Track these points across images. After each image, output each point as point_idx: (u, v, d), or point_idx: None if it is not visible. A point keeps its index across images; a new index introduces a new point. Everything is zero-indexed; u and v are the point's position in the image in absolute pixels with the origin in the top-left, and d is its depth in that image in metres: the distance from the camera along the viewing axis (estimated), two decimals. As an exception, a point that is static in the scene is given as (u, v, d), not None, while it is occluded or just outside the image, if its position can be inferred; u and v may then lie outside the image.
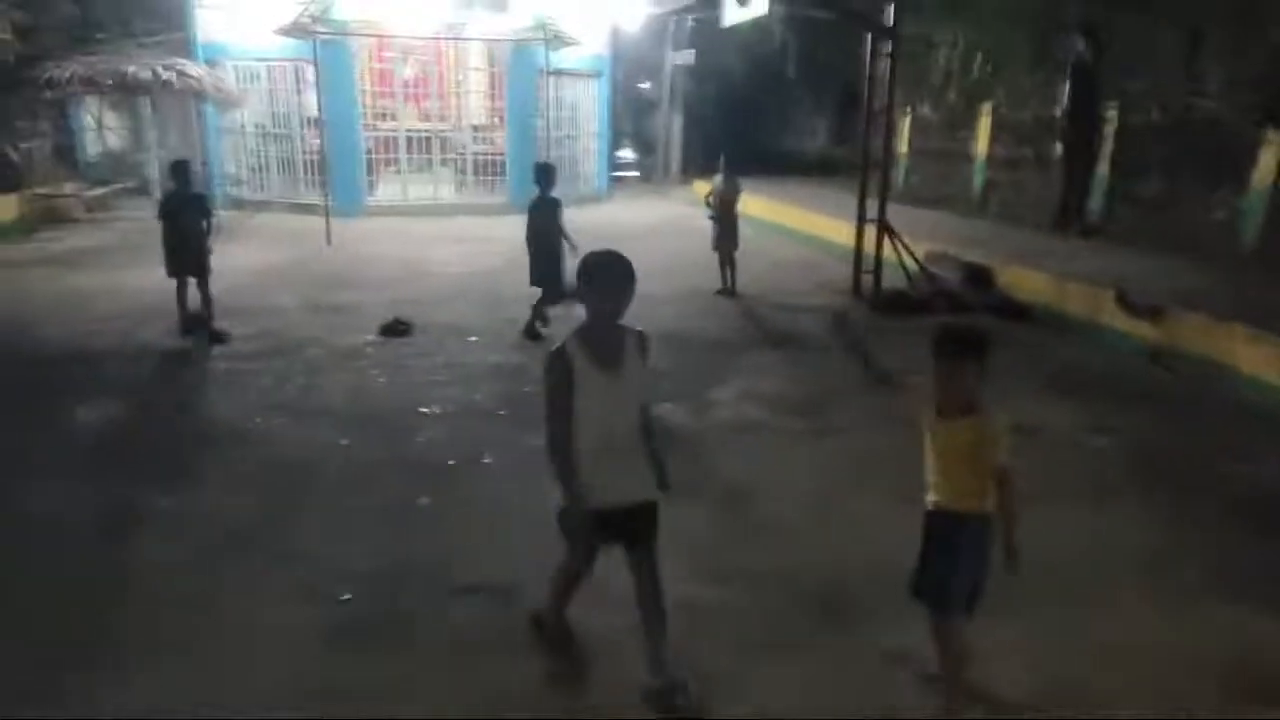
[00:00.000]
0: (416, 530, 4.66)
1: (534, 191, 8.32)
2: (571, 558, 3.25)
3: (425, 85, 17.60)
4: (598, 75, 19.17)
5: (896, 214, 10.28)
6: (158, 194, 11.58)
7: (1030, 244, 11.40)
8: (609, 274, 2.96)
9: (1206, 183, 10.85)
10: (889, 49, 9.59)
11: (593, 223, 12.75)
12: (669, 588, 3.23)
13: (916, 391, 3.09)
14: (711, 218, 10.22)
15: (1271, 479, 5.39)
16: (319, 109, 13.63)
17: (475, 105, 18.26)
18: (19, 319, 8.84)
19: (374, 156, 16.96)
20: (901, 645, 3.46)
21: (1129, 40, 12.06)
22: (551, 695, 3.33)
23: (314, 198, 14.57)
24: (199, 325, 8.08)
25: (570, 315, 7.57)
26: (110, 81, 13.38)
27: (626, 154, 25.60)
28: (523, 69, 16.72)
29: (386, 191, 17.16)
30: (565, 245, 8.04)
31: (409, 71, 17.37)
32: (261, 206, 16.53)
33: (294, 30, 13.35)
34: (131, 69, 13.33)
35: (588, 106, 19.19)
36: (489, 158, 17.74)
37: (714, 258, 10.24)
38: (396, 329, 8.40)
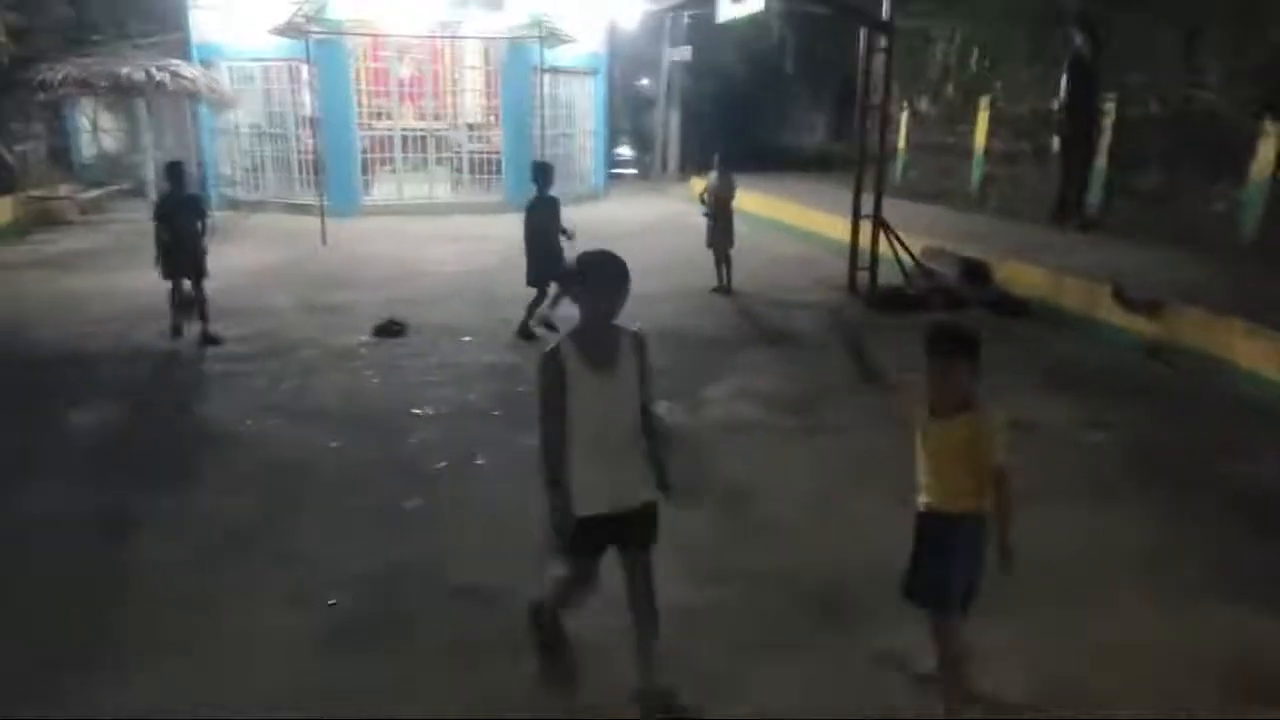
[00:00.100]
0: (409, 532, 4.64)
1: (531, 190, 8.28)
2: (569, 567, 3.17)
3: (421, 84, 17.53)
4: (594, 73, 19.11)
5: (895, 209, 10.25)
6: (153, 196, 11.54)
7: (1029, 238, 11.35)
8: (603, 274, 2.91)
9: (1205, 175, 10.80)
10: (884, 43, 9.53)
11: (589, 220, 12.67)
12: (663, 589, 3.19)
13: (909, 390, 3.05)
14: (706, 215, 10.17)
15: (1271, 475, 5.35)
16: (314, 109, 13.58)
17: (471, 104, 18.19)
18: (13, 321, 8.82)
19: (370, 156, 16.90)
20: (898, 645, 3.43)
21: (1127, 33, 12.00)
22: (545, 697, 3.30)
23: (309, 198, 14.53)
24: (187, 314, 8.02)
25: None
26: (104, 83, 13.34)
27: (624, 151, 25.53)
28: (518, 67, 16.66)
29: (382, 191, 17.11)
30: (564, 243, 7.99)
31: (405, 70, 17.30)
32: (257, 207, 16.50)
33: (288, 30, 13.31)
34: (125, 70, 13.30)
35: (584, 104, 19.13)
36: (485, 156, 17.68)
37: (710, 255, 10.19)
38: (390, 329, 8.36)
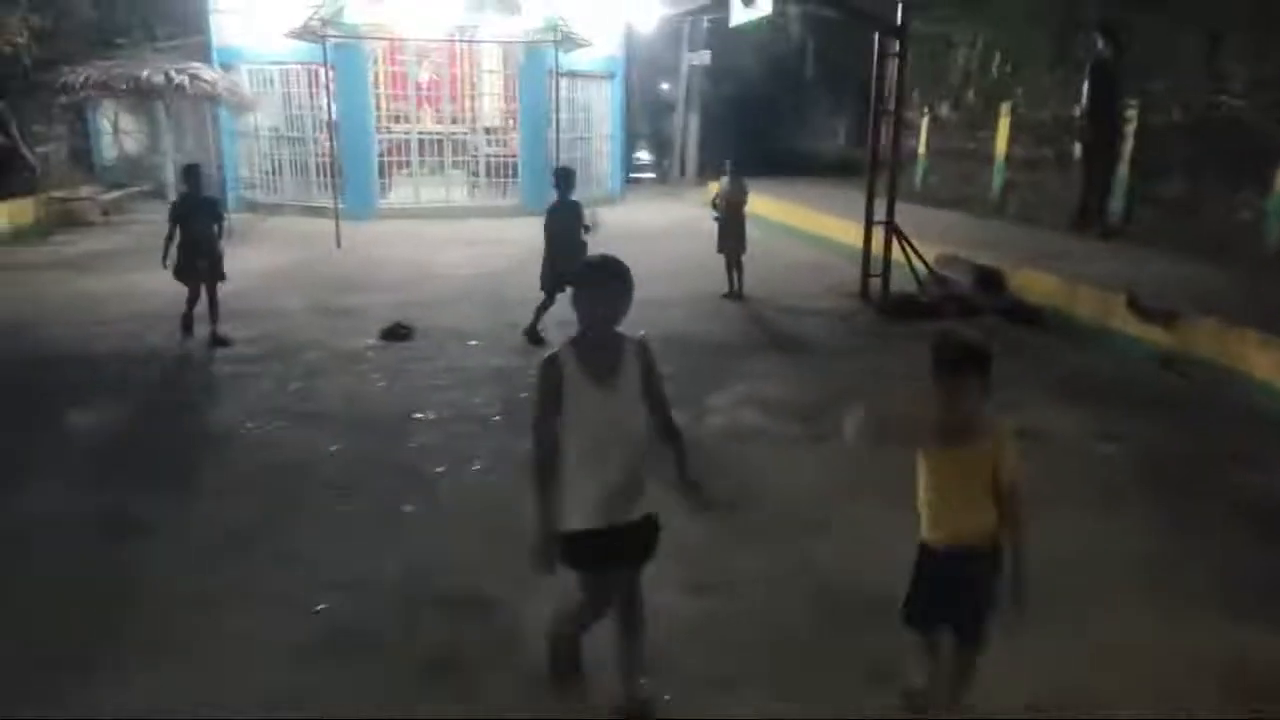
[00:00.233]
0: (404, 537, 4.61)
1: (549, 194, 8.25)
2: (580, 586, 3.01)
3: (439, 88, 17.60)
4: (611, 77, 19.11)
5: (915, 215, 10.15)
6: (173, 197, 11.65)
7: (1048, 246, 11.19)
8: (602, 279, 2.82)
9: (1229, 183, 10.62)
10: (897, 48, 9.43)
11: (605, 225, 12.70)
12: (655, 596, 3.15)
13: (907, 413, 2.89)
14: (716, 219, 10.12)
15: (1283, 488, 5.22)
16: (332, 112, 13.66)
17: (489, 108, 18.25)
18: (28, 321, 8.90)
19: (387, 159, 16.98)
20: (892, 659, 3.34)
21: (1149, 40, 11.83)
22: (536, 706, 3.25)
23: (326, 201, 14.60)
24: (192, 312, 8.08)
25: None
26: (124, 86, 13.48)
27: (643, 156, 25.52)
28: (535, 71, 16.69)
29: (399, 194, 17.19)
30: (586, 238, 7.96)
31: (423, 74, 17.37)
32: (275, 210, 16.61)
33: (305, 34, 13.38)
34: (145, 73, 13.44)
35: (601, 108, 19.14)
36: (502, 160, 17.72)
37: (722, 260, 10.13)
38: (398, 333, 8.36)
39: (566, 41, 15.09)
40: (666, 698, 3.25)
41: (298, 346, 8.03)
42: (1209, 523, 4.76)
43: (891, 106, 9.75)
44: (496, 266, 11.76)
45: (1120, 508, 4.91)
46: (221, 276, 8.12)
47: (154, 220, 13.49)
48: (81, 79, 13.23)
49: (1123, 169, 12.34)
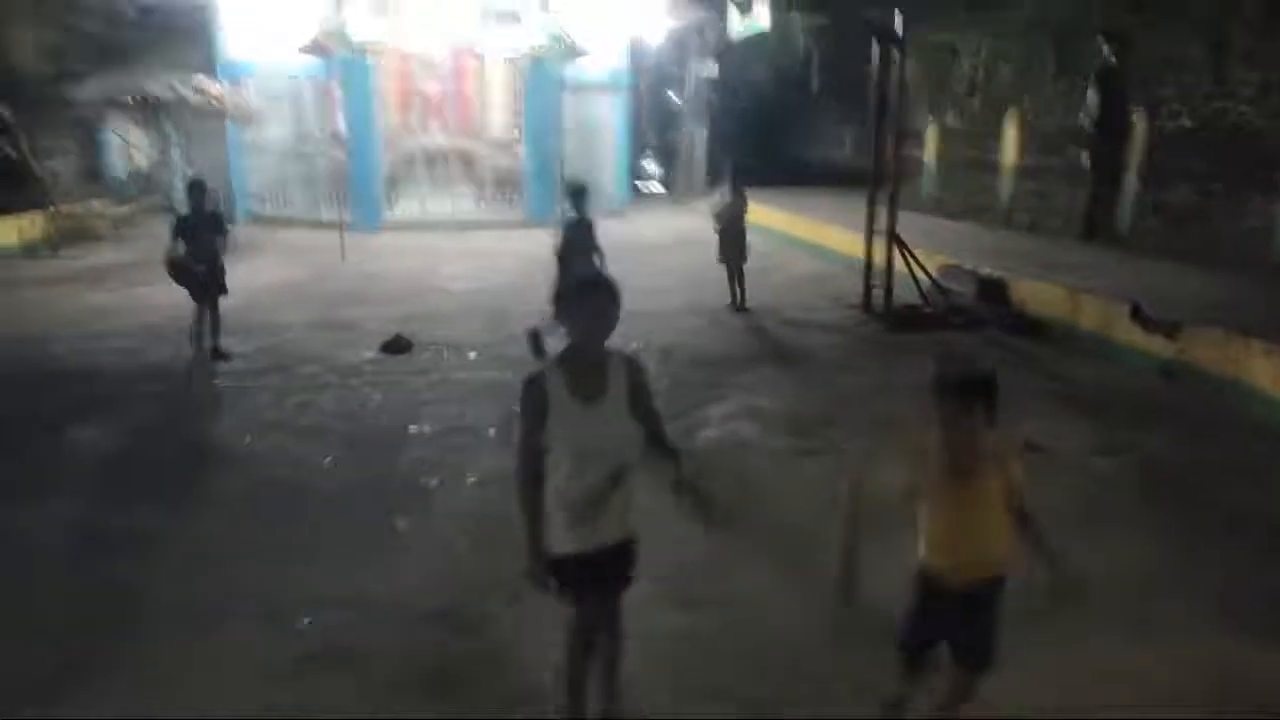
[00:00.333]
0: (394, 552, 4.61)
1: (557, 207, 8.24)
2: (567, 609, 2.98)
3: (445, 101, 17.66)
4: (617, 89, 19.11)
5: (922, 225, 10.09)
6: (182, 211, 11.70)
7: (1056, 256, 11.09)
8: (589, 295, 2.79)
9: (1238, 191, 10.50)
10: (897, 57, 9.38)
11: (610, 236, 12.70)
12: (639, 612, 3.13)
13: (909, 443, 2.72)
14: (717, 230, 10.08)
15: (1285, 501, 5.13)
16: (339, 125, 13.72)
17: (495, 121, 18.29)
18: (33, 334, 8.96)
19: (394, 172, 17.04)
20: (881, 676, 3.28)
21: (1156, 47, 11.74)
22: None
23: (334, 214, 14.65)
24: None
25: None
26: (130, 100, 13.58)
27: (650, 167, 25.51)
28: (541, 84, 16.72)
29: (406, 207, 17.23)
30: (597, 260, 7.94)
31: (429, 88, 17.43)
32: (283, 223, 16.67)
33: (311, 48, 13.46)
34: (151, 87, 13.53)
35: (607, 120, 19.13)
36: (508, 173, 17.74)
37: (724, 271, 10.09)
38: (398, 346, 8.36)
39: (569, 54, 15.11)
40: (645, 711, 3.21)
41: (297, 360, 8.05)
42: (1209, 536, 4.69)
43: (893, 116, 9.68)
44: (500, 280, 11.75)
45: (1118, 521, 4.84)
46: (223, 290, 8.13)
47: (163, 234, 13.59)
48: (88, 94, 13.33)
49: (1130, 178, 12.22)
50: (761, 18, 9.48)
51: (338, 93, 13.64)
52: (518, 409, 2.81)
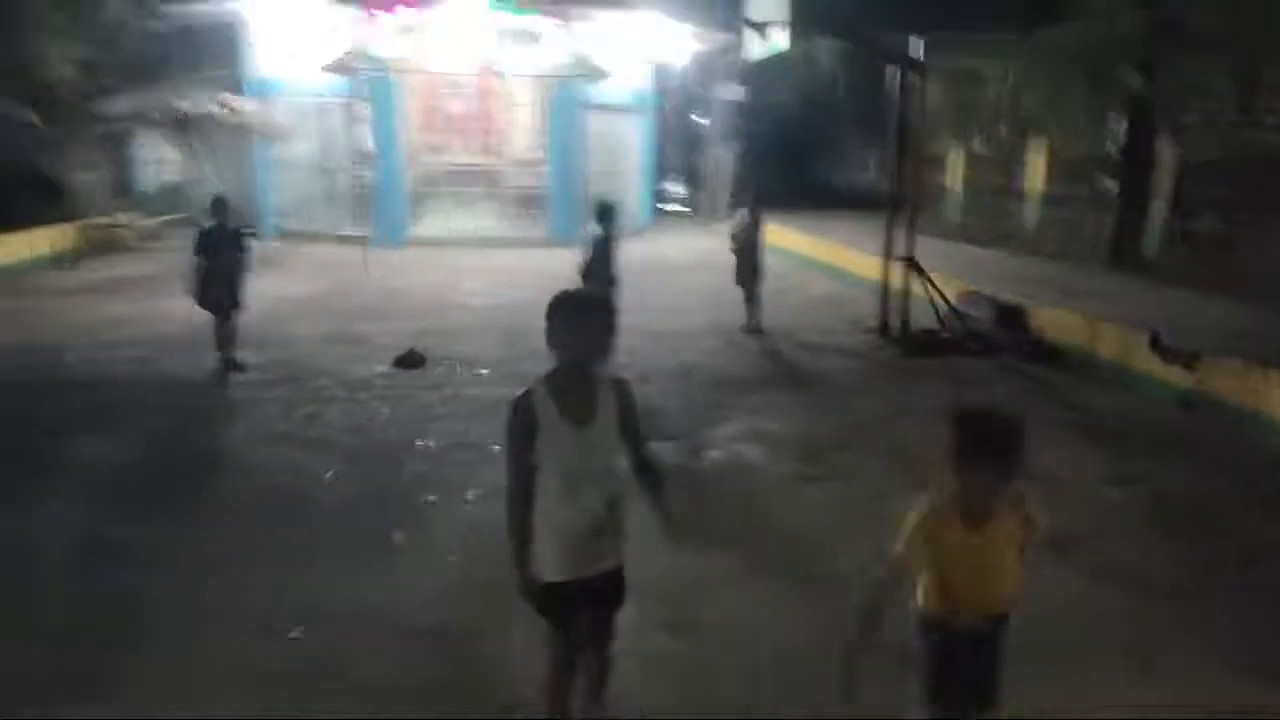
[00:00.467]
0: (387, 566, 4.58)
1: (589, 227, 8.27)
2: (548, 639, 2.92)
3: (470, 120, 17.84)
4: (641, 110, 19.22)
5: (948, 252, 10.00)
6: (207, 225, 11.89)
7: (1080, 283, 10.98)
8: (578, 315, 2.71)
9: (1265, 220, 10.36)
10: (916, 81, 9.35)
11: (631, 257, 12.76)
12: (627, 634, 3.09)
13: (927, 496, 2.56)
14: (733, 251, 10.05)
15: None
16: (365, 143, 13.87)
17: (519, 140, 18.44)
18: (48, 343, 9.06)
19: (419, 190, 17.19)
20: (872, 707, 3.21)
21: (1184, 75, 11.64)
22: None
23: (358, 229, 14.80)
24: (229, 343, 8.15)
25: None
26: (159, 116, 13.81)
27: (675, 189, 25.59)
28: (566, 104, 16.84)
29: (429, 224, 17.37)
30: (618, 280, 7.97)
31: (454, 107, 17.62)
32: (308, 238, 16.85)
33: (337, 67, 13.64)
34: (180, 103, 13.76)
35: (631, 141, 19.23)
36: (531, 191, 17.86)
37: (740, 293, 10.06)
38: (411, 361, 8.38)
39: (592, 75, 15.22)
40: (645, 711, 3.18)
41: (310, 373, 8.07)
42: (1223, 569, 4.58)
43: (912, 141, 9.64)
44: (519, 297, 11.76)
45: (1129, 552, 4.73)
46: (237, 305, 8.15)
47: (187, 247, 13.78)
48: (119, 109, 13.57)
49: (1157, 205, 12.11)
50: (780, 40, 9.47)
51: (364, 111, 13.77)
52: (505, 430, 2.74)
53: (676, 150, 25.25)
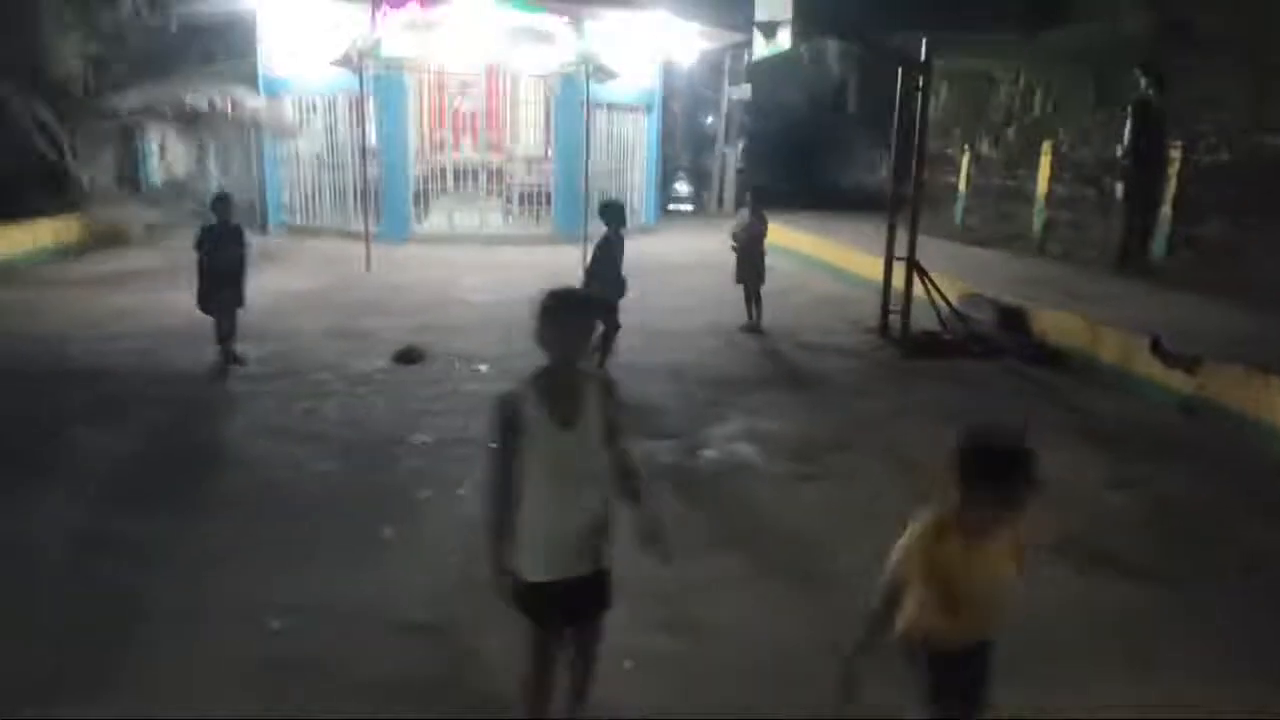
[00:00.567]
0: (378, 561, 4.58)
1: (581, 223, 8.23)
2: (527, 642, 2.89)
3: (476, 117, 17.84)
4: (647, 109, 19.19)
5: (953, 253, 9.95)
6: (212, 219, 11.92)
7: (1086, 287, 10.89)
8: (564, 312, 2.71)
9: (1272, 225, 10.26)
10: (921, 83, 9.31)
11: (636, 255, 12.74)
12: (627, 634, 3.09)
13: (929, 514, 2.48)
14: (734, 249, 10.03)
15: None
16: (370, 140, 13.88)
17: (525, 137, 18.43)
18: (50, 334, 9.08)
19: (424, 186, 17.20)
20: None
21: (1194, 79, 11.54)
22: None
23: (362, 225, 14.80)
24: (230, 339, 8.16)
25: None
26: (169, 111, 13.84)
27: (682, 188, 25.56)
28: (571, 102, 16.81)
29: (434, 220, 17.38)
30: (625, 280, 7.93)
31: (462, 104, 17.63)
32: (313, 233, 16.87)
33: (344, 63, 13.66)
34: (188, 99, 13.78)
35: (637, 139, 19.20)
36: (537, 189, 17.86)
37: (741, 292, 10.03)
38: (410, 356, 8.38)
39: (598, 73, 15.19)
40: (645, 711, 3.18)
41: (309, 368, 8.08)
42: (1223, 575, 4.54)
43: (917, 142, 9.59)
44: (521, 294, 11.55)
45: (1128, 557, 4.69)
46: (239, 301, 8.16)
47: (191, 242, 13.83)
48: (128, 104, 13.61)
49: (1165, 210, 12.01)
50: (784, 40, 9.43)
51: (371, 107, 13.76)
52: (488, 430, 2.73)
53: (683, 150, 25.22)
